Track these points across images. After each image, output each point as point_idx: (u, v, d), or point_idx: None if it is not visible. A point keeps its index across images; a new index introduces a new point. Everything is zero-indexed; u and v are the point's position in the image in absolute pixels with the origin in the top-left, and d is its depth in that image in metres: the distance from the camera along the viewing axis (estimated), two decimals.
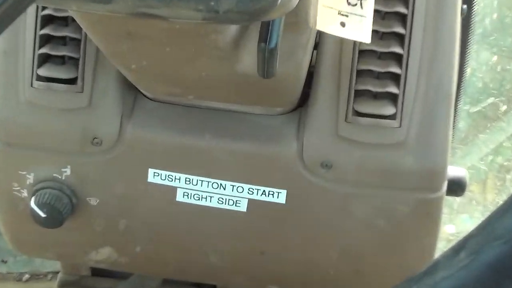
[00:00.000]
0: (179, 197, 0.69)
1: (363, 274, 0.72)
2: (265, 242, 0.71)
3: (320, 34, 0.65)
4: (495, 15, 1.38)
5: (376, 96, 0.64)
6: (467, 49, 0.95)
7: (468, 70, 1.07)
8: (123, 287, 0.90)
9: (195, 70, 0.55)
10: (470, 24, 0.92)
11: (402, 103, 0.63)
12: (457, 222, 1.57)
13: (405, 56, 0.63)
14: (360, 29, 0.53)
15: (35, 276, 1.28)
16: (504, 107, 1.54)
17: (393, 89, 0.63)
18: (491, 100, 1.42)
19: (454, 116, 1.00)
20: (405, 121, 0.64)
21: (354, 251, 0.71)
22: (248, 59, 0.51)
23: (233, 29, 0.48)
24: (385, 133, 0.64)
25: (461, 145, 1.42)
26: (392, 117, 0.63)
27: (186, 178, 0.68)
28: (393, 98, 0.64)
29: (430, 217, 0.69)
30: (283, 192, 0.67)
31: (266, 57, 0.46)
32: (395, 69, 0.63)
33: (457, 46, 0.66)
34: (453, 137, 1.10)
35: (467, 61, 0.98)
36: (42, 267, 1.27)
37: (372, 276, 0.73)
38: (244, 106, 0.67)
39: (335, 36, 0.62)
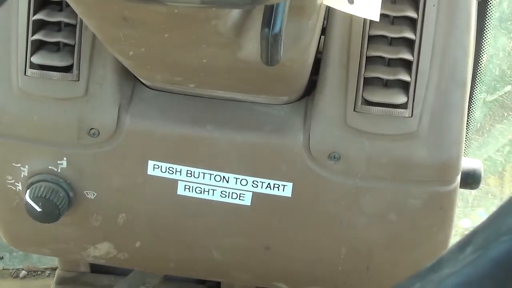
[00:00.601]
0: (180, 191, 0.66)
1: (374, 270, 0.70)
2: (270, 237, 0.69)
3: (328, 18, 0.62)
4: None
5: (387, 84, 0.61)
6: (484, 35, 0.92)
7: (485, 57, 1.05)
8: (123, 284, 0.87)
9: (195, 57, 0.52)
10: (488, 8, 0.88)
11: (414, 92, 0.61)
12: (472, 216, 1.53)
13: (417, 42, 0.60)
14: (368, 6, 0.50)
15: (32, 273, 1.26)
16: None
17: (404, 77, 0.60)
18: (508, 88, 1.38)
19: (470, 105, 0.97)
20: (417, 111, 0.61)
21: (364, 246, 0.68)
22: (251, 45, 0.49)
23: (234, 13, 0.45)
24: (396, 123, 0.62)
25: (476, 135, 1.38)
26: (403, 106, 0.61)
27: (187, 170, 0.65)
28: (404, 86, 0.61)
29: (443, 211, 0.67)
30: (289, 185, 0.65)
31: (270, 43, 0.44)
32: (406, 56, 0.60)
33: (472, 31, 0.63)
34: (468, 127, 1.08)
35: (485, 47, 0.94)
36: (39, 263, 1.26)
37: (383, 273, 0.71)
38: (248, 95, 0.65)
39: (343, 18, 0.60)
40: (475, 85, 1.02)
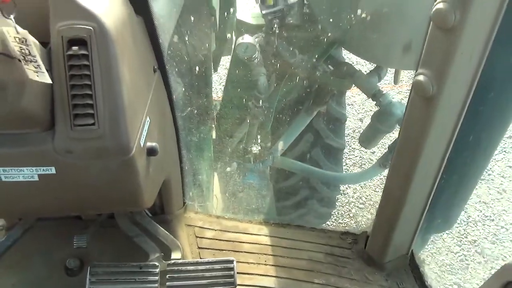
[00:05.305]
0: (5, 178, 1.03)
1: (110, 199, 1.15)
2: (63, 192, 1.09)
3: (51, 62, 0.95)
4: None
5: (85, 114, 0.97)
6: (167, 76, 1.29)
7: (180, 89, 1.71)
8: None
9: None
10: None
11: (97, 116, 0.98)
12: None
13: (92, 85, 0.96)
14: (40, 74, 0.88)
15: None
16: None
17: (89, 101, 0.96)
18: (189, 109, 2.04)
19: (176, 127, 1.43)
20: (101, 124, 0.98)
21: (99, 189, 1.10)
22: None
23: None
24: (92, 132, 0.99)
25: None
26: (92, 124, 0.98)
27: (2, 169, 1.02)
28: (91, 115, 0.97)
29: (128, 169, 1.05)
30: (53, 168, 1.04)
31: None
32: (88, 91, 0.96)
33: (119, 77, 0.97)
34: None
35: (171, 87, 1.32)
36: None
37: (116, 198, 1.14)
38: (15, 130, 0.99)
39: (58, 70, 0.95)
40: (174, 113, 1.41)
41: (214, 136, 2.60)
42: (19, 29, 0.84)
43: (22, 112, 0.93)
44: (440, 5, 1.00)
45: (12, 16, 0.81)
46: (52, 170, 1.03)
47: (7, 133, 0.99)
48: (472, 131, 1.46)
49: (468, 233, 3.82)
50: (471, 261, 3.63)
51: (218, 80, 4.61)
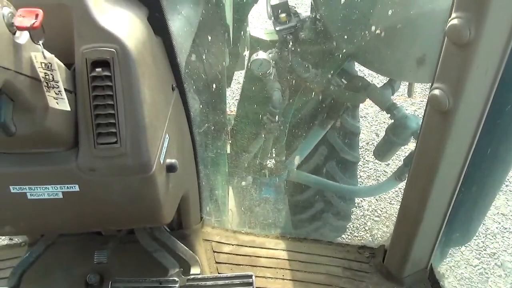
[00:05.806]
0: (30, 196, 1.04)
1: (131, 215, 1.15)
2: (85, 209, 1.12)
3: (74, 87, 0.97)
4: None
5: (108, 133, 0.99)
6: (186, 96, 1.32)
7: (196, 106, 1.73)
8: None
9: None
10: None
11: (119, 134, 0.99)
12: None
13: (115, 105, 0.97)
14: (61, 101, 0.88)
15: None
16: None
17: (112, 121, 0.97)
18: (205, 126, 2.07)
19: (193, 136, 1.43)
20: (123, 143, 1.00)
21: (121, 206, 1.10)
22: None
23: None
24: (115, 150, 1.01)
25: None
26: (115, 142, 1.00)
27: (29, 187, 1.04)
28: (114, 133, 0.98)
29: (149, 186, 1.06)
30: (77, 186, 1.05)
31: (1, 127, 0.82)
32: (111, 111, 0.97)
33: (140, 96, 0.98)
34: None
35: (189, 104, 1.36)
36: None
37: (136, 214, 1.16)
38: (38, 149, 1.00)
39: (83, 93, 0.97)
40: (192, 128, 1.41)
41: (228, 150, 2.64)
42: (47, 54, 0.86)
43: (48, 132, 0.95)
44: (455, 21, 1.02)
45: (40, 42, 0.84)
46: (76, 188, 1.05)
47: (33, 152, 1.02)
48: (489, 144, 1.47)
49: (487, 245, 3.78)
50: (491, 274, 3.58)
51: (231, 95, 4.65)
